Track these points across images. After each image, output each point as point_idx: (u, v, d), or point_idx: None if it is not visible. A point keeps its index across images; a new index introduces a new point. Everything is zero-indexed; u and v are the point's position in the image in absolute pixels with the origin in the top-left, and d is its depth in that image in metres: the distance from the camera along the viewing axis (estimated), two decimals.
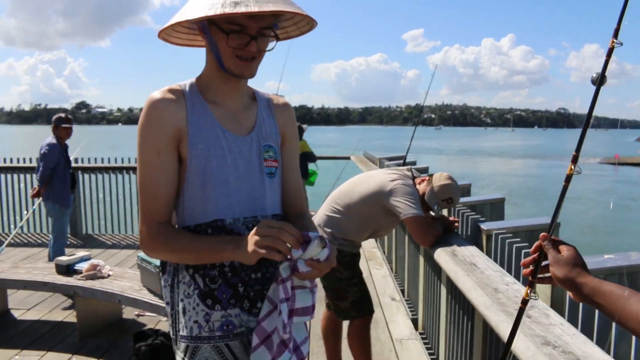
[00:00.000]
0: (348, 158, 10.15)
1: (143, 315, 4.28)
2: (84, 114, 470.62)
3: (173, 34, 1.42)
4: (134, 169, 7.20)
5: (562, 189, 1.12)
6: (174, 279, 1.42)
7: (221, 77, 1.38)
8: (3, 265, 4.53)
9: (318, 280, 3.18)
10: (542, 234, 1.12)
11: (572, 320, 1.70)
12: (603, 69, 1.11)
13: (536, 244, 1.13)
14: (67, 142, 5.45)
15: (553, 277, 1.08)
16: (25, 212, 7.27)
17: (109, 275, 3.99)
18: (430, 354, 3.42)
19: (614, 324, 1.59)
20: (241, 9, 1.19)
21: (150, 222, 1.35)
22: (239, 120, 1.42)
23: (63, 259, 4.19)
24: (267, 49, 1.35)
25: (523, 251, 2.19)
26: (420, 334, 3.84)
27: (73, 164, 5.71)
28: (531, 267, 1.14)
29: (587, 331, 1.65)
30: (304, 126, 9.00)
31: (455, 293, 2.65)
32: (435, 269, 3.16)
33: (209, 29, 1.30)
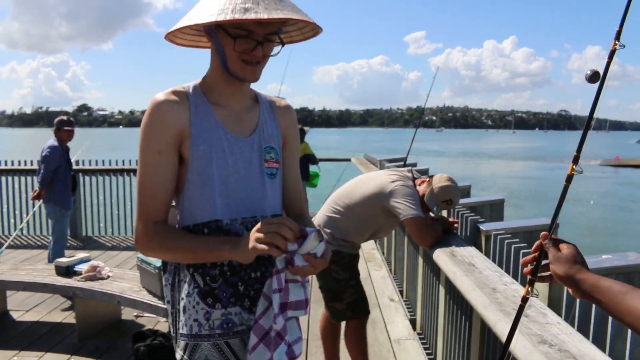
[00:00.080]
0: (349, 160, 10.16)
1: (142, 316, 4.28)
2: (85, 117, 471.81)
3: (179, 35, 1.43)
4: (134, 171, 7.22)
5: (563, 189, 1.12)
6: (174, 278, 1.44)
7: (225, 79, 1.40)
8: (3, 266, 4.54)
9: (315, 280, 3.20)
10: (543, 233, 1.13)
11: (569, 320, 1.70)
12: (605, 71, 1.11)
13: (537, 243, 1.14)
14: (69, 144, 5.46)
15: (553, 275, 1.09)
16: (26, 214, 7.28)
17: (108, 277, 3.99)
18: (428, 354, 3.42)
19: (609, 323, 1.59)
20: (251, 16, 1.21)
21: (147, 221, 1.36)
22: (241, 121, 1.44)
23: (63, 260, 4.20)
24: (272, 54, 1.38)
25: (522, 251, 2.19)
26: (419, 334, 3.84)
27: (74, 166, 5.72)
28: (531, 266, 1.15)
29: (583, 330, 1.65)
30: (306, 128, 9.01)
31: (454, 293, 2.65)
32: (434, 270, 3.16)
33: (216, 33, 1.32)
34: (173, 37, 1.42)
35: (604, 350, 1.50)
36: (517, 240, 2.38)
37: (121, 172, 7.54)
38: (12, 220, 7.63)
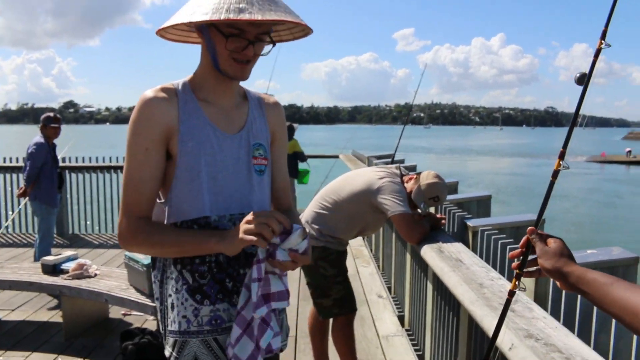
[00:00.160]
0: (337, 157, 10.15)
1: (130, 315, 4.25)
2: (72, 114, 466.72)
3: (170, 30, 1.43)
4: (121, 168, 7.15)
5: (550, 184, 1.14)
6: (163, 274, 1.44)
7: (215, 76, 1.40)
8: None
9: (302, 276, 3.20)
10: (530, 227, 1.14)
11: (555, 314, 1.73)
12: (590, 69, 1.13)
13: (524, 238, 1.15)
14: (55, 141, 5.41)
15: (541, 268, 1.10)
16: (11, 212, 7.20)
17: (95, 275, 3.96)
18: (416, 350, 3.44)
19: (594, 317, 1.61)
20: (245, 16, 1.22)
21: (131, 217, 1.36)
22: (230, 118, 1.44)
23: (49, 258, 4.16)
24: (262, 53, 1.38)
25: (508, 247, 2.21)
26: (407, 330, 3.86)
27: (60, 164, 5.67)
28: (518, 261, 1.16)
29: (569, 324, 1.67)
30: (295, 125, 8.99)
31: (441, 289, 2.67)
32: (422, 266, 3.18)
33: (208, 30, 1.32)
34: (164, 32, 1.42)
35: (588, 344, 1.52)
36: (504, 236, 2.40)
37: (108, 169, 7.48)
38: None
